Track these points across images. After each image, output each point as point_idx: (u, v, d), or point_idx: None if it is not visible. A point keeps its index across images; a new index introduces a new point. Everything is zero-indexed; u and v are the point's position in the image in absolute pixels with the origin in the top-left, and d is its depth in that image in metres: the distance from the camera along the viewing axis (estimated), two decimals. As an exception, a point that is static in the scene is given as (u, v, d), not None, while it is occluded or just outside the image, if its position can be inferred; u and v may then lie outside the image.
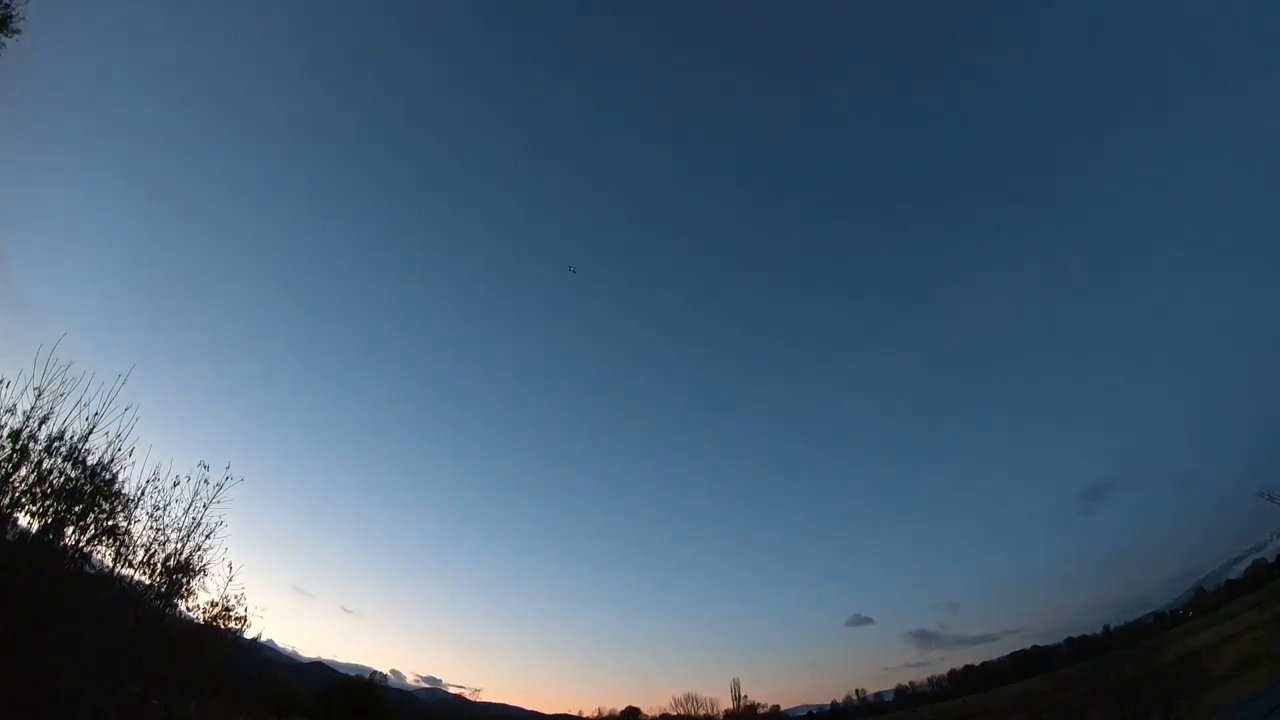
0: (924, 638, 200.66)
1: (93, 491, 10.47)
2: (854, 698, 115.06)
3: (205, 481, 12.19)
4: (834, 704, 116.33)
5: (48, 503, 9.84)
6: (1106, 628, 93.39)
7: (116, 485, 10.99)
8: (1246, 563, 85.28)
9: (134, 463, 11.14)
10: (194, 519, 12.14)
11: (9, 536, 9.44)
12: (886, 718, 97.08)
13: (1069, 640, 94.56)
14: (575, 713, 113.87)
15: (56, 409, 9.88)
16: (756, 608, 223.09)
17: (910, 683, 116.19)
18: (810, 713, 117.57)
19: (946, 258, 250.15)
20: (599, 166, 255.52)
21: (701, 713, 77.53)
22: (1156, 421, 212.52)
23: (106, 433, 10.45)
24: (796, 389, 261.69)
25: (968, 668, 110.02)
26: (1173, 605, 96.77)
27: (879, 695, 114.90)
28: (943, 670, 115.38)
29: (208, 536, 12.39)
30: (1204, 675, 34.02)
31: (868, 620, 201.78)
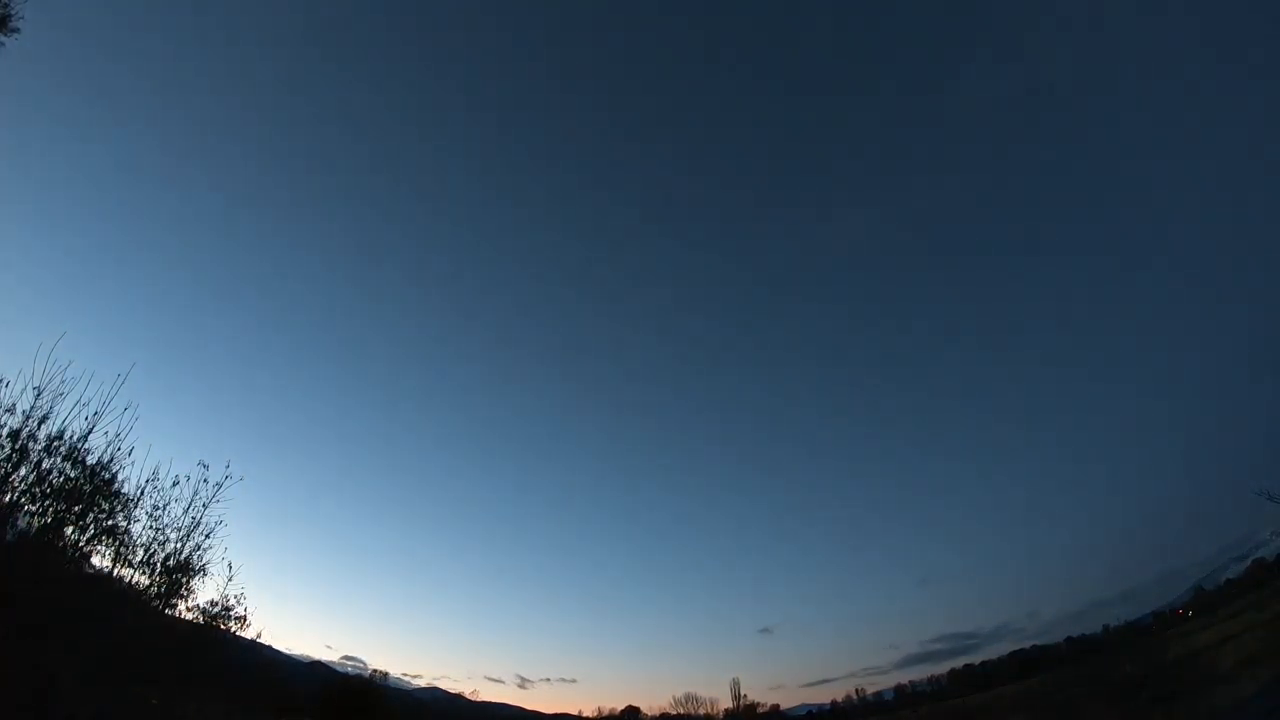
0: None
1: (92, 491, 10.46)
2: (854, 697, 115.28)
3: (205, 481, 12.23)
4: (834, 703, 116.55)
5: (47, 502, 9.83)
6: (1106, 627, 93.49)
7: (116, 485, 11.00)
8: (1246, 563, 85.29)
9: (133, 462, 11.16)
10: (193, 519, 12.17)
11: (9, 536, 9.43)
12: (886, 718, 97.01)
13: (1069, 640, 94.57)
14: (575, 712, 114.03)
15: (56, 408, 9.87)
16: (758, 605, 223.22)
17: (910, 682, 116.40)
18: (810, 712, 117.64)
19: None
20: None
21: (701, 712, 77.70)
22: (1156, 421, 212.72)
23: (106, 432, 10.46)
24: (787, 409, 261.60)
25: (967, 667, 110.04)
26: (1173, 605, 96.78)
27: (879, 695, 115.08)
28: (941, 670, 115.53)
29: (207, 536, 12.44)
30: (1204, 675, 34.01)
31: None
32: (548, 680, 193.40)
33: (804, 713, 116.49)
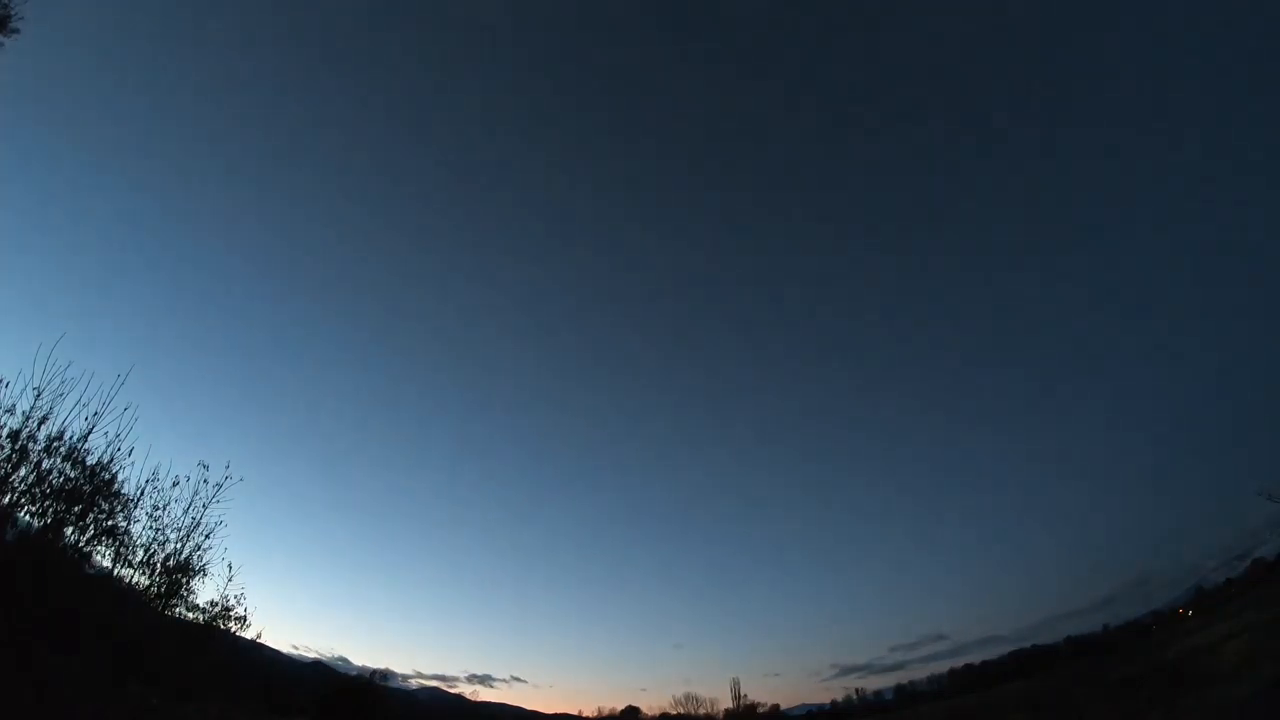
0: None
1: (92, 491, 10.45)
2: (854, 696, 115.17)
3: (205, 481, 12.21)
4: (834, 703, 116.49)
5: (47, 503, 9.83)
6: (1106, 627, 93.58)
7: (116, 485, 10.99)
8: (1246, 563, 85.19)
9: (133, 463, 11.14)
10: (193, 519, 12.15)
11: (9, 537, 9.42)
12: (886, 717, 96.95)
13: (1069, 640, 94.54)
14: (575, 712, 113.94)
15: (56, 409, 9.86)
16: (758, 606, 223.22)
17: (910, 681, 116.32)
18: (810, 712, 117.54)
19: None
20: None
21: (701, 712, 77.46)
22: (1156, 420, 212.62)
23: (106, 433, 10.46)
24: (814, 428, 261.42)
25: (968, 667, 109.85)
26: (1173, 605, 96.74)
27: (879, 694, 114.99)
28: (941, 669, 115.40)
29: (207, 536, 12.42)
30: (1204, 675, 33.96)
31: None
32: (522, 680, 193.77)
33: (803, 712, 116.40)
